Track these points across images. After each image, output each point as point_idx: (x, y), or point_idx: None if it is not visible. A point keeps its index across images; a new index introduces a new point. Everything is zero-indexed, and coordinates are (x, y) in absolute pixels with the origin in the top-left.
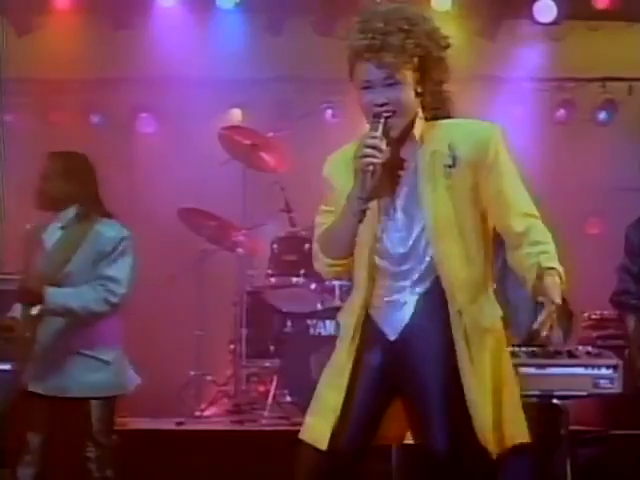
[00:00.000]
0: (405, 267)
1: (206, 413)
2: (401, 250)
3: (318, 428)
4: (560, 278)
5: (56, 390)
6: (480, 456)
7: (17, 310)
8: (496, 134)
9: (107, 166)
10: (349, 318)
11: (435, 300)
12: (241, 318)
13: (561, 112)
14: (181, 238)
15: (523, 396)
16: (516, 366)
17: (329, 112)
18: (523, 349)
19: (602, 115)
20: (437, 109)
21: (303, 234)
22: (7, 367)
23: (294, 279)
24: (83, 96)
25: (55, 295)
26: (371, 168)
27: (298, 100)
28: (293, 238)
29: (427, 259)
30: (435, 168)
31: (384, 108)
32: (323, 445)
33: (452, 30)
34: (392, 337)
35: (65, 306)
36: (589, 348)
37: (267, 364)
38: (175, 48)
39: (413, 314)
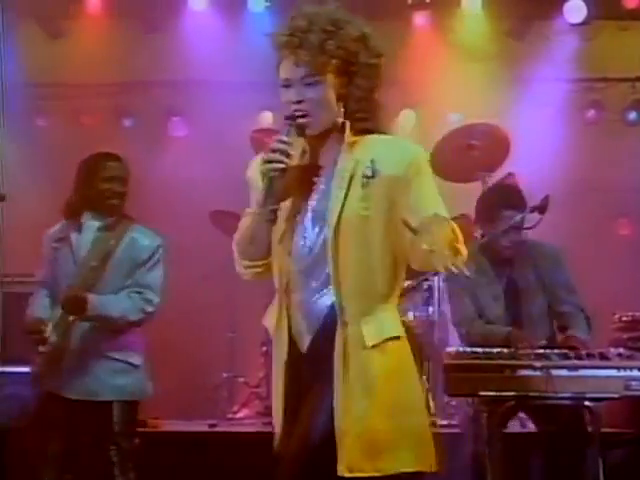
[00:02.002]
0: (313, 272)
1: (238, 415)
2: (307, 254)
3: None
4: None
5: (87, 394)
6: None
7: (39, 310)
8: (421, 156)
9: (139, 169)
10: (271, 323)
11: (331, 321)
12: None
13: (591, 112)
14: (213, 240)
15: (556, 398)
16: (548, 368)
17: None
18: (555, 351)
19: (632, 115)
20: (365, 119)
21: None
22: (27, 370)
23: None
24: (115, 100)
25: (98, 304)
26: (276, 173)
27: None
28: None
29: (323, 276)
30: (354, 176)
31: (298, 107)
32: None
33: (483, 31)
34: (303, 349)
35: (105, 315)
36: (621, 350)
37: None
38: (206, 51)
39: (322, 325)
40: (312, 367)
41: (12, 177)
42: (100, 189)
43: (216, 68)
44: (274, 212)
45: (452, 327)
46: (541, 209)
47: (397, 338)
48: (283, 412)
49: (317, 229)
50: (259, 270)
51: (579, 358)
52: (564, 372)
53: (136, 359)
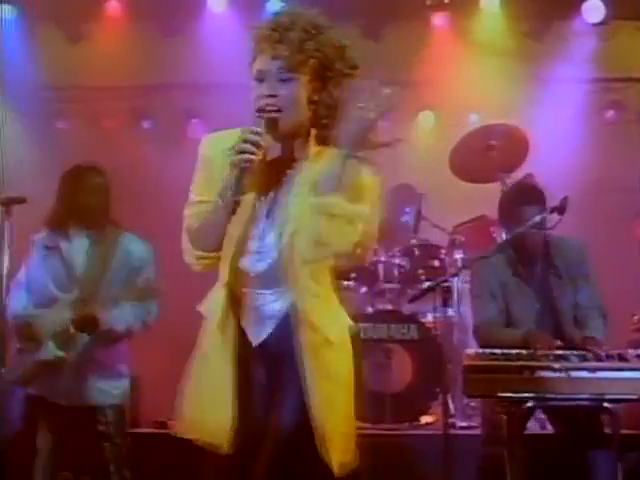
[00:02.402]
0: (263, 272)
1: None
2: (263, 255)
3: None
4: None
5: (83, 400)
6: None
7: (23, 310)
8: (376, 183)
9: (158, 171)
10: (213, 317)
11: (291, 319)
12: None
13: (610, 113)
14: None
15: (575, 399)
16: (567, 369)
17: None
18: (575, 353)
19: None
20: (329, 127)
21: None
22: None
23: (345, 282)
24: (134, 102)
25: (107, 321)
26: (247, 164)
27: None
28: None
29: (279, 269)
30: (311, 185)
31: (270, 101)
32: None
33: (501, 31)
34: (254, 343)
35: (113, 330)
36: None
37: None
38: (225, 53)
39: (280, 323)
40: (266, 363)
41: (32, 179)
42: (83, 202)
43: (235, 70)
44: (237, 203)
45: (471, 328)
46: (560, 210)
47: (352, 336)
48: (233, 408)
49: (273, 232)
50: (209, 262)
51: (598, 359)
52: (583, 373)
53: (124, 367)
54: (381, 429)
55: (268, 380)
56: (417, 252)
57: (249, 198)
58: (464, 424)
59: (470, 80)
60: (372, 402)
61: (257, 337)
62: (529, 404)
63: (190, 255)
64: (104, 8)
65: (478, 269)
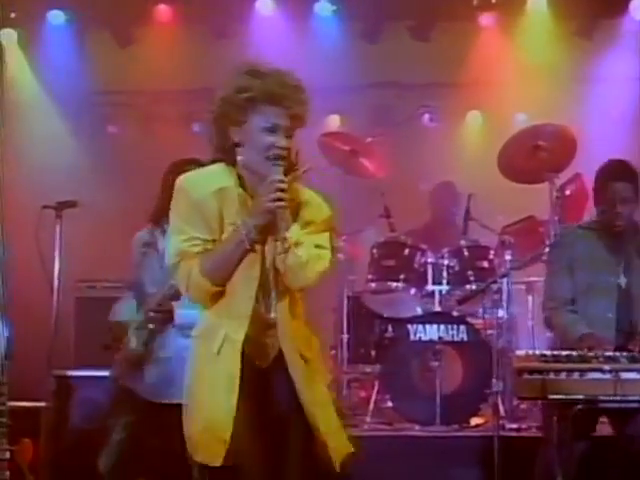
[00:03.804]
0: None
1: None
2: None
3: None
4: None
5: (166, 397)
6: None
7: (122, 313)
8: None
9: None
10: (223, 345)
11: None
12: (342, 323)
13: None
14: None
15: (625, 401)
16: (617, 371)
17: (427, 116)
18: (624, 354)
19: None
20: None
21: (402, 239)
22: (100, 374)
23: (394, 284)
24: (184, 106)
25: (180, 315)
26: (281, 210)
27: (396, 105)
28: (392, 243)
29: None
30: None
31: (284, 153)
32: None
33: (549, 31)
34: (264, 365)
35: (184, 324)
36: None
37: (368, 369)
38: (274, 55)
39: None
40: (270, 381)
41: (84, 184)
42: None
43: None
44: (252, 249)
45: (521, 330)
46: None
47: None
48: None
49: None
50: (212, 294)
51: None
52: (632, 375)
53: None
54: (430, 431)
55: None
56: (466, 253)
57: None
58: (514, 426)
59: (518, 80)
60: (421, 404)
61: (266, 361)
62: (579, 406)
63: (201, 288)
64: (154, 12)
65: (561, 242)
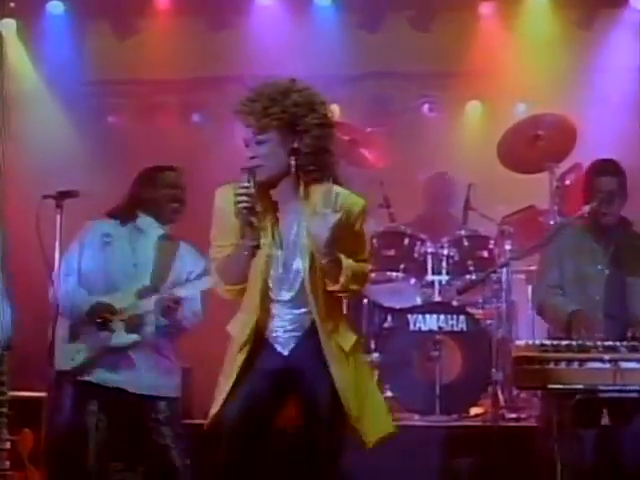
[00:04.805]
0: (288, 299)
1: None
2: (284, 284)
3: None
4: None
5: (147, 389)
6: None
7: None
8: (364, 207)
9: (209, 164)
10: (240, 335)
11: (313, 335)
12: None
13: None
14: None
15: (624, 391)
16: (617, 360)
17: (426, 107)
18: (624, 344)
19: None
20: (314, 171)
21: (402, 229)
22: None
23: (394, 274)
24: (184, 96)
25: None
26: (246, 212)
27: (396, 95)
28: (392, 233)
29: (303, 295)
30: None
31: (252, 161)
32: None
33: (549, 20)
34: (285, 353)
35: (177, 318)
36: None
37: (368, 359)
38: (273, 46)
39: (299, 342)
40: (298, 366)
41: (84, 173)
42: (163, 193)
43: (283, 62)
44: (254, 247)
45: (521, 319)
46: None
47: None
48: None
49: (288, 265)
50: (238, 291)
51: None
52: (632, 365)
53: (179, 362)
54: (430, 421)
55: (297, 382)
56: (466, 243)
57: (269, 231)
58: (513, 415)
59: (518, 70)
60: (421, 394)
61: (286, 348)
62: (578, 396)
63: (221, 288)
64: (153, 2)
65: (552, 237)
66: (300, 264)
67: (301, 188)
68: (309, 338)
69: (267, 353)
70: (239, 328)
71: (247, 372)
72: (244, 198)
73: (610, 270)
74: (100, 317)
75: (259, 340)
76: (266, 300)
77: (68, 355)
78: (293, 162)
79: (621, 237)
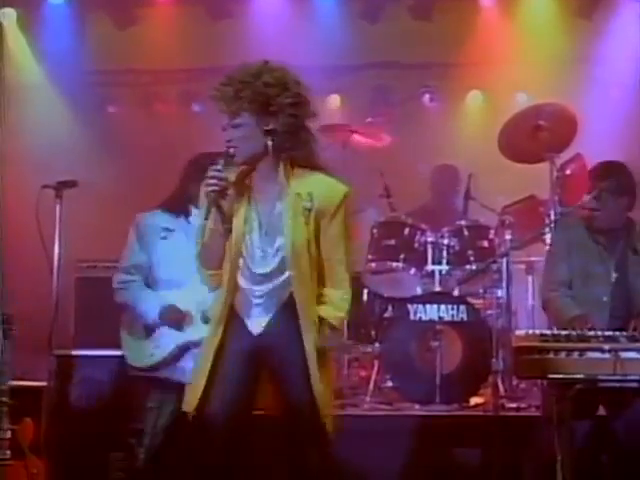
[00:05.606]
0: (264, 281)
1: None
2: (260, 267)
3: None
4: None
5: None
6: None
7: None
8: (345, 195)
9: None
10: (216, 314)
11: (289, 307)
12: None
13: None
14: None
15: (624, 381)
16: (617, 350)
17: (427, 96)
18: (623, 334)
19: None
20: (292, 149)
21: (403, 219)
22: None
23: (394, 264)
24: (184, 86)
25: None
26: (214, 194)
27: (396, 85)
28: (393, 223)
29: (283, 276)
30: (297, 207)
31: (228, 144)
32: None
33: (549, 10)
34: (256, 332)
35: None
36: None
37: (368, 349)
38: (274, 36)
39: (272, 318)
40: (270, 345)
41: (84, 163)
42: None
43: (283, 52)
44: (227, 230)
45: (521, 309)
46: None
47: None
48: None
49: (266, 247)
50: (219, 278)
51: None
52: (631, 354)
53: None
54: (430, 411)
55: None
56: (466, 233)
57: (242, 213)
58: (514, 405)
59: (518, 60)
60: (421, 383)
61: (257, 327)
62: (578, 386)
63: (203, 274)
64: None
65: (561, 225)
66: (281, 242)
67: (280, 168)
68: (283, 312)
69: (240, 330)
70: (215, 308)
71: (222, 353)
72: (214, 181)
73: (617, 272)
74: (173, 318)
75: (232, 317)
76: (240, 279)
77: (145, 352)
78: (270, 143)
79: (626, 240)
